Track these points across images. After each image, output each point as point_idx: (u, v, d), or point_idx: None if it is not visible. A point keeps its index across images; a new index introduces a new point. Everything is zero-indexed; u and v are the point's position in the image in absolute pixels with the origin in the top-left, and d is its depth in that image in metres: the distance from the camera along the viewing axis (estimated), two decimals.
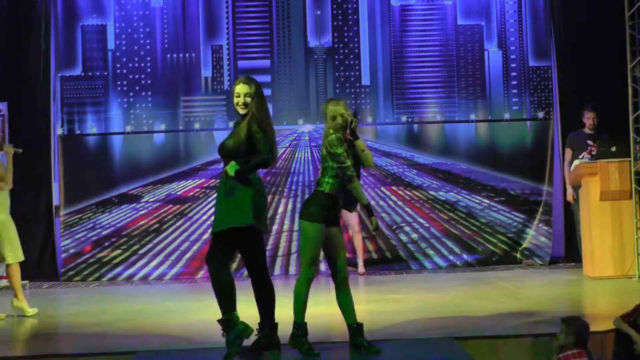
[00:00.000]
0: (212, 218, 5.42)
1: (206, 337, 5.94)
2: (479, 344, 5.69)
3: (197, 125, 10.37)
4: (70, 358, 5.74)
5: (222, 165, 5.51)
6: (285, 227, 10.26)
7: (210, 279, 5.34)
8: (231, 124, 5.90)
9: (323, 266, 9.32)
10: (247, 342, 5.40)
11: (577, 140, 9.28)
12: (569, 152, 9.36)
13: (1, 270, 9.30)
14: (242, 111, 5.40)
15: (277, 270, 10.05)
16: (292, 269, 10.04)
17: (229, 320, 5.24)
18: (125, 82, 10.38)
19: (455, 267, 10.11)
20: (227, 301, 5.25)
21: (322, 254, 5.51)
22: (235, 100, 5.42)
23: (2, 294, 9.04)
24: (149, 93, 10.40)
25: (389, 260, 10.18)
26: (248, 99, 5.36)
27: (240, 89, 5.39)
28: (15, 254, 7.52)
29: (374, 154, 10.19)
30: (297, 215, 10.33)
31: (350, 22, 10.53)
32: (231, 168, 5.23)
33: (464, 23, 10.55)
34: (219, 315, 5.32)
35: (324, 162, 5.45)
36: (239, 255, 5.61)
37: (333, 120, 5.44)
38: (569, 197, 9.35)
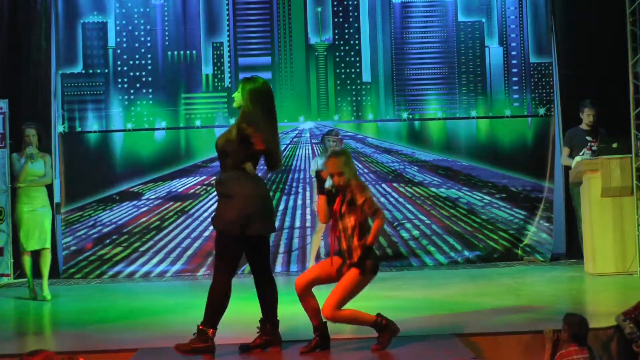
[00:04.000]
0: (213, 215, 5.38)
1: None
2: (480, 341, 5.69)
3: (198, 123, 10.37)
4: (71, 355, 5.72)
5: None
6: (287, 224, 10.26)
7: (211, 286, 5.31)
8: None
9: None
10: (248, 340, 5.41)
11: (575, 138, 9.26)
12: (566, 150, 9.33)
13: (2, 268, 9.31)
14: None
15: (279, 267, 10.06)
16: (294, 266, 10.04)
17: (203, 333, 5.26)
18: (125, 80, 10.37)
19: (456, 264, 10.11)
20: (214, 316, 5.26)
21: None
22: None
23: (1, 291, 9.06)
24: (150, 90, 10.39)
25: (390, 257, 10.17)
26: (235, 104, 5.50)
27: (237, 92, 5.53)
28: (43, 240, 8.35)
29: (376, 151, 10.24)
30: (298, 212, 10.38)
31: (350, 19, 10.52)
32: None
33: (464, 20, 10.53)
34: None
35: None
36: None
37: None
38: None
